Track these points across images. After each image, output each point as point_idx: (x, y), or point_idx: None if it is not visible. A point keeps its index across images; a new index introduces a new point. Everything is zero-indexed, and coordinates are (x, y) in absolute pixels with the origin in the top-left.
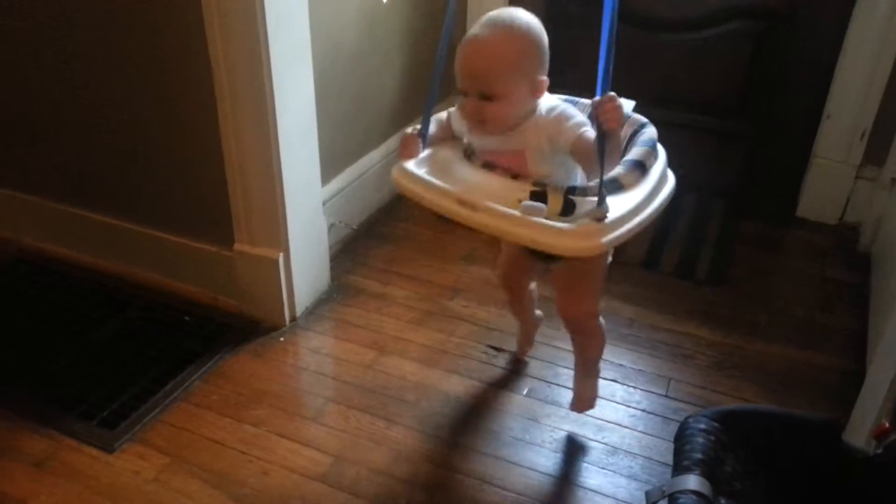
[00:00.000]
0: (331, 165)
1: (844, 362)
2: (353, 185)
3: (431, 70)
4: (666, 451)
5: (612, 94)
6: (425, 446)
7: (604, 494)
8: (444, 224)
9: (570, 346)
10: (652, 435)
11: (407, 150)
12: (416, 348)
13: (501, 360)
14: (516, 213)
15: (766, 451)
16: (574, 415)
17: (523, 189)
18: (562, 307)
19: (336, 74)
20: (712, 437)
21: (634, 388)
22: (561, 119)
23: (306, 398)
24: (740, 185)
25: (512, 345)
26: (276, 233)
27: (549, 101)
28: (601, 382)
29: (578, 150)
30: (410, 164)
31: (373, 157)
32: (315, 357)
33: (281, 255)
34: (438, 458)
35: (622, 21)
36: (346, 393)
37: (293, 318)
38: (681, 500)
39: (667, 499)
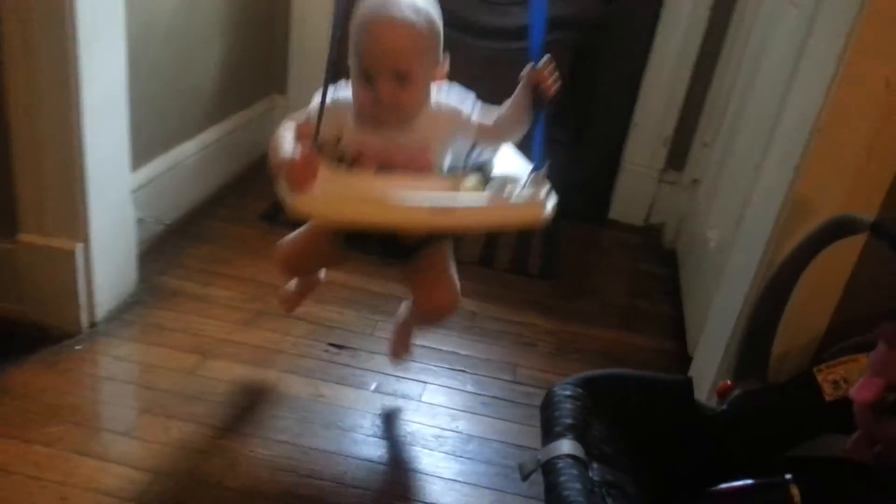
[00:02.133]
0: (139, 151)
1: (667, 343)
2: (165, 177)
3: (253, 64)
4: (520, 433)
5: (548, 57)
6: (267, 453)
7: (464, 483)
8: (268, 223)
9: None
10: (504, 419)
11: (309, 172)
12: (248, 350)
13: (345, 358)
14: (487, 202)
15: (626, 412)
16: (425, 407)
17: (447, 183)
18: (433, 308)
19: (149, 46)
20: (579, 403)
21: (483, 376)
22: (456, 113)
23: (114, 411)
24: (558, 191)
25: (355, 342)
26: (75, 219)
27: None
28: (450, 372)
29: (485, 136)
30: (321, 189)
31: (187, 149)
32: (122, 365)
33: (80, 246)
34: (284, 464)
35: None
36: (163, 402)
37: (92, 324)
38: (559, 466)
39: (541, 468)
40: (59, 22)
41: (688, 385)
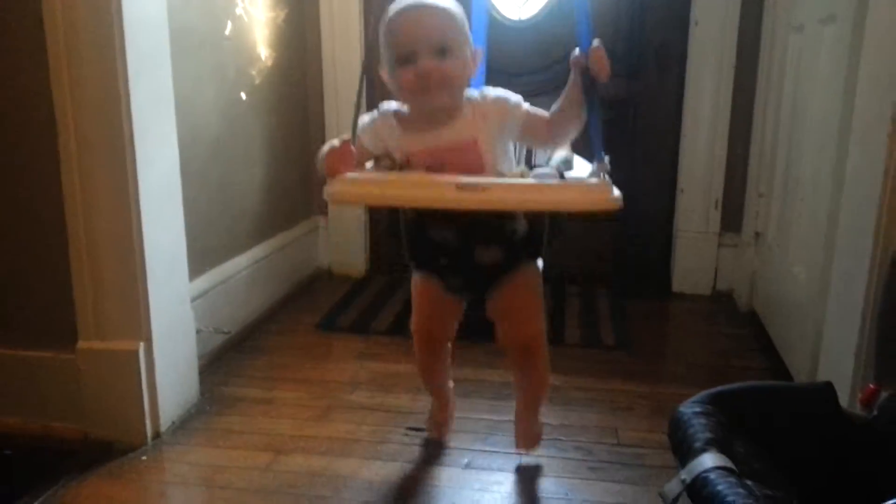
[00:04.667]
0: (193, 260)
1: None
2: (218, 290)
3: (294, 187)
4: (637, 494)
5: (599, 41)
6: None
7: None
8: (325, 331)
9: (499, 416)
10: (617, 482)
11: (344, 163)
12: (323, 442)
13: (426, 441)
14: (531, 180)
15: (765, 427)
16: (529, 477)
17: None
18: (511, 335)
19: (196, 157)
20: (713, 419)
21: (584, 442)
22: (503, 101)
23: None
24: (615, 270)
25: None
26: (136, 318)
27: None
28: (545, 441)
29: (530, 127)
30: (357, 174)
31: (238, 263)
32: (193, 469)
33: (142, 345)
34: None
35: None
36: (240, 499)
37: (157, 434)
38: (711, 478)
39: (688, 489)
40: (115, 113)
41: (830, 392)
